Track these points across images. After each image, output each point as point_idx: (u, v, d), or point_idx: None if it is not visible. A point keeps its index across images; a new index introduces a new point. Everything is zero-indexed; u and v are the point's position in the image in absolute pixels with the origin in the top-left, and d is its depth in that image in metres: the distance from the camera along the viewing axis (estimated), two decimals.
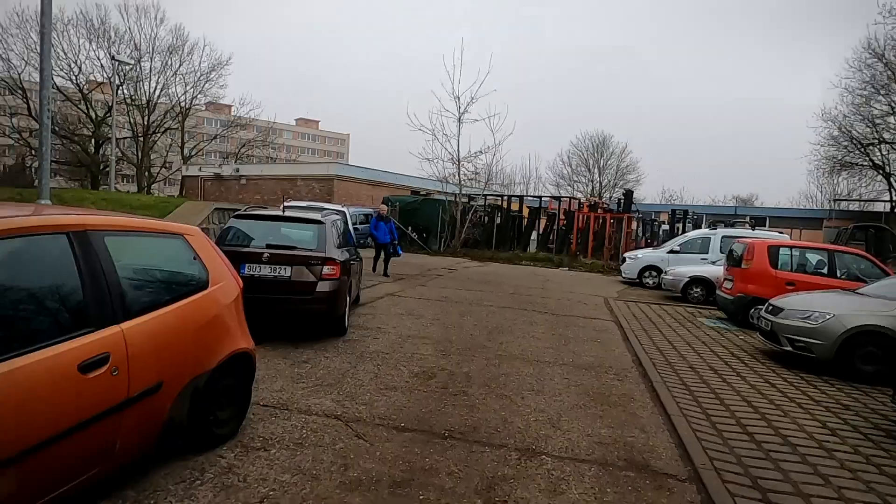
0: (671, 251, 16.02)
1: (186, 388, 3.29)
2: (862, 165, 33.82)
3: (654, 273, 16.14)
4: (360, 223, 25.80)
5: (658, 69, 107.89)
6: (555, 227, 24.30)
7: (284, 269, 6.34)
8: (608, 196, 49.01)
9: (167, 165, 46.35)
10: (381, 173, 35.09)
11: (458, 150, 24.16)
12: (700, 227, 24.86)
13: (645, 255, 16.56)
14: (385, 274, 13.56)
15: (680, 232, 23.90)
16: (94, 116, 37.66)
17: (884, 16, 27.72)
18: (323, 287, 6.46)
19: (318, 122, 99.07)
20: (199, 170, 37.13)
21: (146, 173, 44.67)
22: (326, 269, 6.50)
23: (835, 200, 41.34)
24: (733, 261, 10.89)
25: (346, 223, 11.13)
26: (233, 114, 49.34)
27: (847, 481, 3.90)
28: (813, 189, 55.73)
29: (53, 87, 37.15)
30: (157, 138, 42.29)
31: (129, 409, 2.82)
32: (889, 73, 30.65)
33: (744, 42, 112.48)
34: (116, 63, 27.12)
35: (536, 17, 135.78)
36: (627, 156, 58.75)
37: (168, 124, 42.28)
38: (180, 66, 41.16)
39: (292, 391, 4.92)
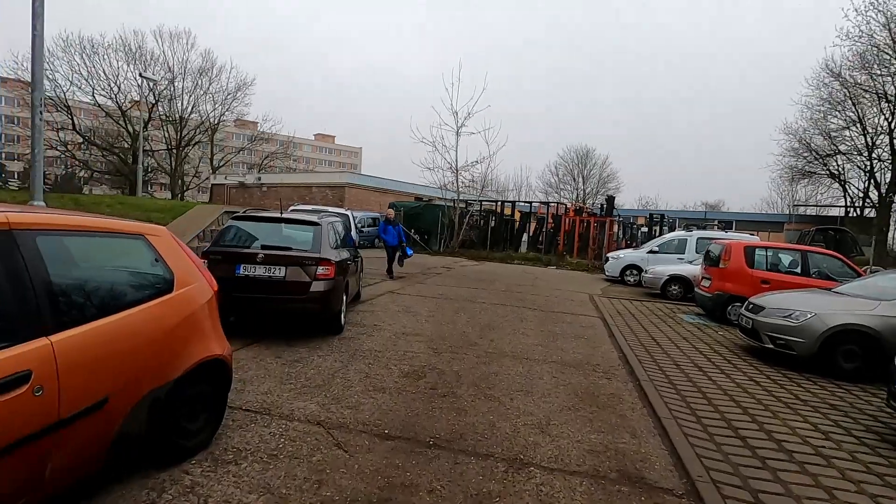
0: (651, 251, 15.34)
1: (144, 400, 2.66)
2: (820, 174, 33.11)
3: (634, 272, 15.47)
4: (368, 226, 25.31)
5: (636, 89, 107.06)
6: (544, 229, 23.59)
7: (279, 269, 5.70)
8: (591, 202, 48.31)
9: (198, 175, 45.76)
10: (388, 181, 34.44)
11: (457, 160, 23.53)
12: (674, 230, 24.17)
13: (627, 255, 15.88)
14: (389, 274, 12.61)
15: (657, 234, 23.23)
16: (131, 131, 37.05)
17: (841, 38, 27.09)
18: (317, 287, 5.82)
19: (333, 136, 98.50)
20: (225, 178, 36.51)
21: (180, 182, 44.15)
22: (321, 270, 5.86)
23: (794, 206, 40.55)
24: (711, 260, 10.23)
25: (347, 226, 10.52)
26: (259, 129, 48.69)
27: (853, 495, 3.26)
28: (774, 196, 55.17)
29: (95, 105, 36.70)
30: (188, 150, 41.69)
31: (64, 431, 2.19)
32: (845, 91, 29.95)
33: (712, 66, 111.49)
34: (145, 80, 26.40)
35: (529, 41, 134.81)
36: (608, 166, 58.23)
37: (198, 138, 41.69)
38: (209, 85, 40.63)
39: (278, 393, 4.28)
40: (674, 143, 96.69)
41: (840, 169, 32.65)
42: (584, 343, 7.23)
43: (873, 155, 29.96)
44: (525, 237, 24.69)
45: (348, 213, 10.95)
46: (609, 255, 16.61)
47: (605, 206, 21.99)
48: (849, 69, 27.96)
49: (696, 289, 10.82)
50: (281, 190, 32.49)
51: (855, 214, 32.74)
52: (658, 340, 7.74)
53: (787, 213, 45.15)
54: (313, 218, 6.43)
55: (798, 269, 9.42)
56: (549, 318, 8.96)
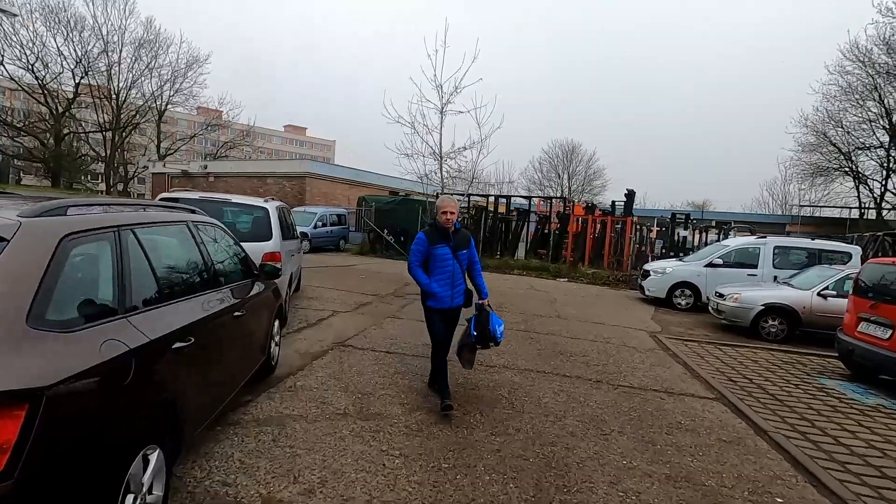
0: (710, 264, 11.18)
1: None
2: (839, 171, 29.98)
3: (687, 291, 11.30)
4: (332, 224, 20.84)
5: (617, 89, 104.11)
6: (546, 230, 19.24)
7: None
8: (577, 199, 44.42)
9: (135, 162, 39.92)
10: (359, 172, 29.57)
11: (441, 145, 18.93)
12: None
13: (676, 269, 11.63)
14: (436, 387, 4.33)
15: (682, 239, 19.24)
16: (54, 109, 31.13)
17: (882, 14, 23.80)
18: None
19: (305, 129, 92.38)
20: (164, 166, 31.00)
21: (120, 170, 38.26)
22: None
23: (801, 206, 37.50)
24: (885, 294, 6.02)
25: (260, 228, 5.94)
26: (223, 118, 42.76)
27: None
28: (766, 195, 52.80)
29: (9, 78, 30.64)
30: (126, 135, 35.83)
31: None
32: (871, 78, 26.72)
33: (702, 64, 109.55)
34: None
35: (520, 25, 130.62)
36: (595, 163, 54.69)
37: (139, 121, 35.92)
38: (154, 60, 34.88)
39: None
40: (658, 141, 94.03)
41: (858, 165, 29.64)
42: None
43: None
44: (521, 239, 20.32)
45: (268, 206, 6.30)
46: (650, 267, 12.36)
47: (625, 201, 17.71)
48: (884, 49, 24.65)
49: (840, 335, 6.61)
50: (231, 180, 27.35)
51: (872, 216, 29.79)
52: None
53: (782, 212, 42.48)
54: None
55: None
56: (642, 414, 4.54)
